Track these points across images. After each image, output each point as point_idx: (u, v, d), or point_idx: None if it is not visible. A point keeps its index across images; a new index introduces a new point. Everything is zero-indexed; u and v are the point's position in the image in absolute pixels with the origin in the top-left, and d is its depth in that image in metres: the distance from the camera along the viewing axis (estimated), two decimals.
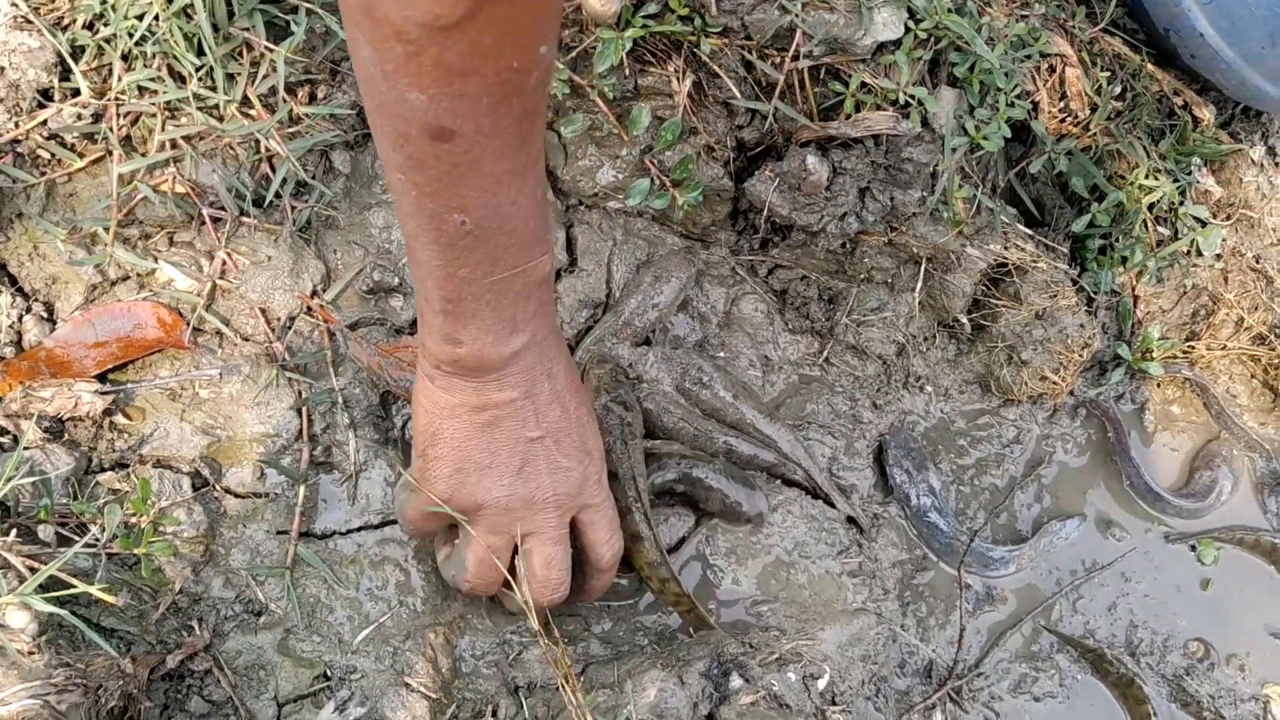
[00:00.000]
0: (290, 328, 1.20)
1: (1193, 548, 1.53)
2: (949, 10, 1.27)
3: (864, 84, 1.28)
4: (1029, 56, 1.36)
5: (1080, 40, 1.43)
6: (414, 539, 1.14)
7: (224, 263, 1.17)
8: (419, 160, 0.78)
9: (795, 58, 1.26)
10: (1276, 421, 1.63)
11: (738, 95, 1.29)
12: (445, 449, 0.97)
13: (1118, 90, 1.43)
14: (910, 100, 1.28)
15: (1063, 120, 1.41)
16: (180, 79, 1.14)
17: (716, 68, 1.27)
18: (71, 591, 0.96)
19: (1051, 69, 1.39)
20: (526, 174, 0.83)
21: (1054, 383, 1.46)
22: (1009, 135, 1.34)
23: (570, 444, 1.01)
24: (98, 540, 1.01)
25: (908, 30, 1.27)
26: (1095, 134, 1.43)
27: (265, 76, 1.15)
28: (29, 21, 1.11)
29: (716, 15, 1.24)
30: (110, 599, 0.98)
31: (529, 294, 0.90)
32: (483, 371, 0.92)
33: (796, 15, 1.23)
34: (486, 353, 0.91)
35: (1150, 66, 1.48)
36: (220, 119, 1.14)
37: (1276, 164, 1.60)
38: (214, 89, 1.13)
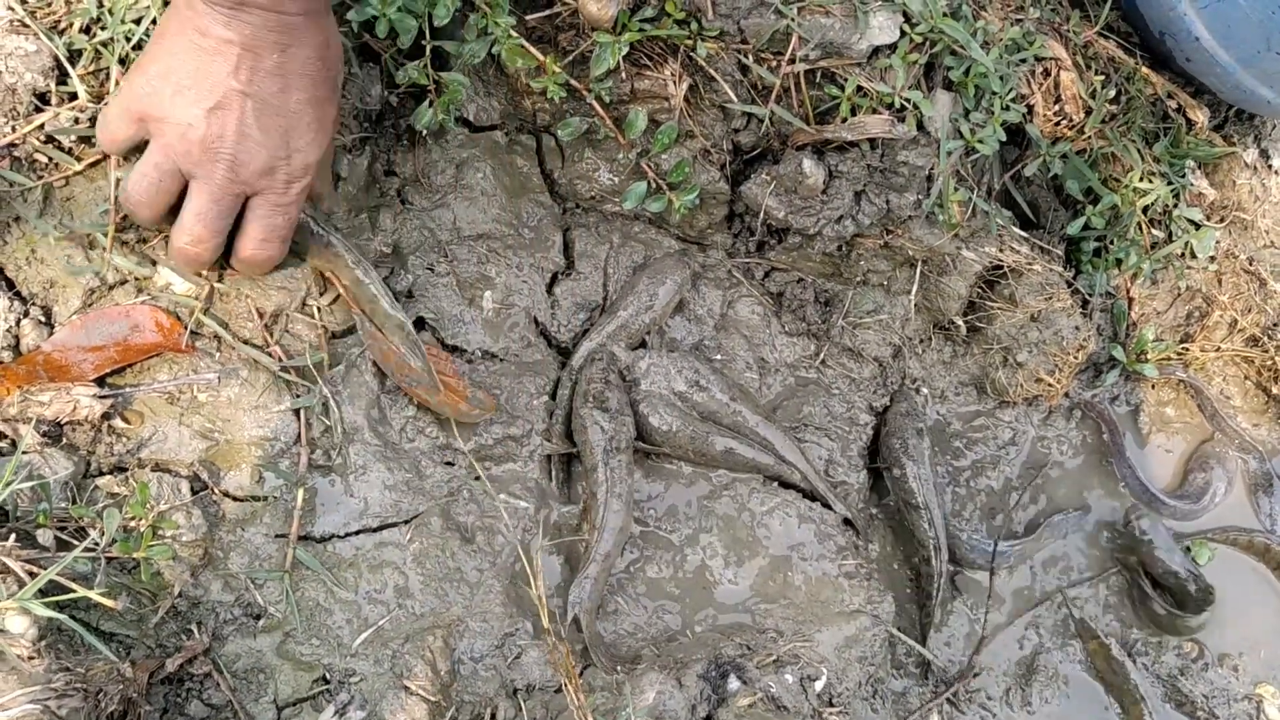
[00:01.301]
0: (288, 331, 1.20)
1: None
2: (944, 14, 1.27)
3: (859, 88, 1.28)
4: (1024, 60, 1.37)
5: (1075, 44, 1.44)
6: (108, 147, 1.11)
7: None
8: None
9: (791, 61, 1.26)
10: (1270, 423, 1.64)
11: (734, 99, 1.29)
12: (161, 52, 1.01)
13: (1112, 93, 1.44)
14: (906, 104, 1.29)
15: (1057, 123, 1.42)
16: None
17: (713, 71, 1.28)
18: (71, 596, 0.96)
19: (1046, 72, 1.40)
20: None
21: (1049, 385, 1.47)
22: (1004, 138, 1.35)
23: (272, 124, 1.01)
24: (97, 544, 1.02)
25: (903, 34, 1.28)
26: (1090, 137, 1.44)
27: None
28: (25, 25, 1.11)
29: (713, 19, 1.25)
30: (110, 603, 0.98)
31: None
32: (214, 1, 0.96)
33: (792, 19, 1.23)
34: None
35: (1145, 70, 1.49)
36: None
37: (1270, 167, 1.61)
38: None
